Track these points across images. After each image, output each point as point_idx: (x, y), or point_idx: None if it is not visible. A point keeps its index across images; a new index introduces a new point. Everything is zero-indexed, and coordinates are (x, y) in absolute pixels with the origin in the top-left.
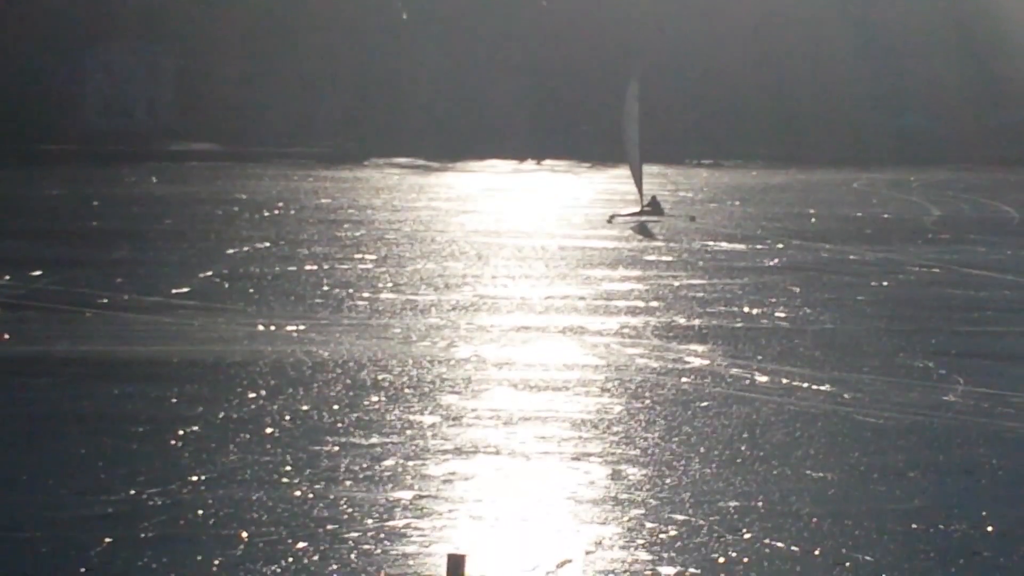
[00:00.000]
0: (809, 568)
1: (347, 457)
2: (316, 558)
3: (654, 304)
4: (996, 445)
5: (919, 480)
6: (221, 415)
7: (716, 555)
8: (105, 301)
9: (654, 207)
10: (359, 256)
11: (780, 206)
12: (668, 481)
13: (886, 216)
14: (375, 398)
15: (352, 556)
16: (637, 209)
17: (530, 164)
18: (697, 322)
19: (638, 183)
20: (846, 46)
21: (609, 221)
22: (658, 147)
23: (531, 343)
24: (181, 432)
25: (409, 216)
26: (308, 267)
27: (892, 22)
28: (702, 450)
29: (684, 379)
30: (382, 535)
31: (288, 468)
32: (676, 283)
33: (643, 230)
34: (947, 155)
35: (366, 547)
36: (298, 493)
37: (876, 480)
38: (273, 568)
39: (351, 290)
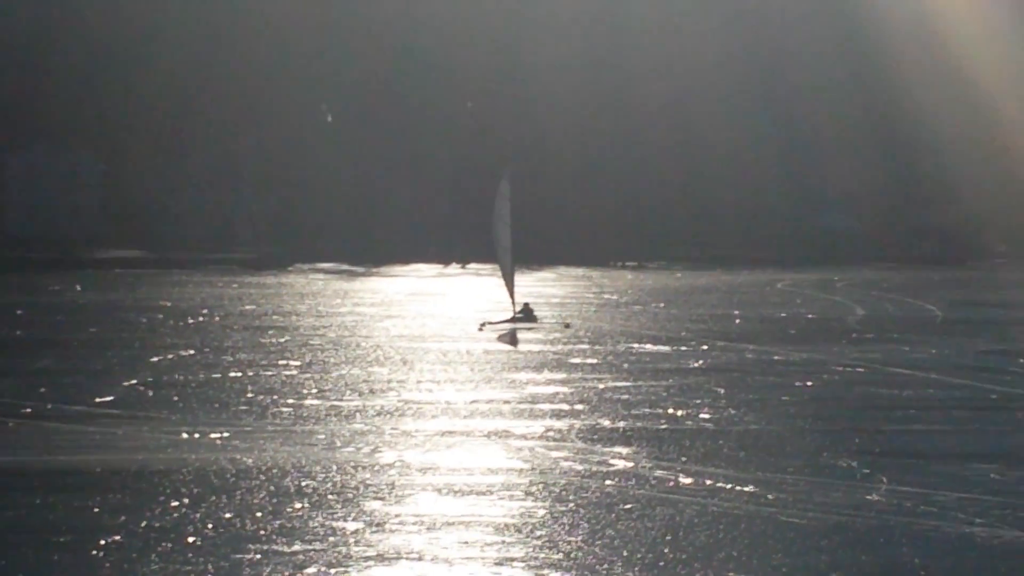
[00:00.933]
0: None
1: (269, 565)
2: None
3: (579, 407)
4: (919, 545)
5: None
6: (143, 524)
7: None
8: (28, 410)
9: (526, 314)
10: (284, 362)
11: (704, 307)
12: None
13: (810, 316)
14: (299, 505)
15: None
16: (509, 315)
17: (454, 267)
18: (622, 424)
19: (510, 288)
20: (770, 147)
21: (480, 329)
22: (582, 249)
23: (456, 447)
24: (103, 542)
25: (334, 322)
26: (232, 374)
27: (814, 122)
28: (625, 553)
29: (608, 481)
30: None
31: None
32: (601, 385)
33: (511, 338)
34: (871, 255)
35: None
36: None
37: None
38: None
39: (275, 396)
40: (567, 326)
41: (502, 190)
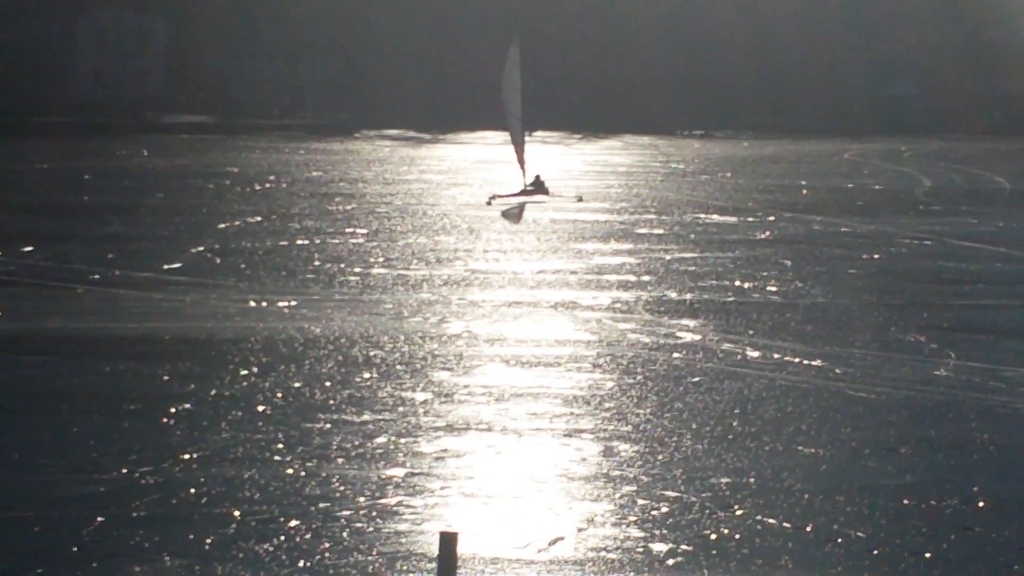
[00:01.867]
0: (801, 544)
1: (339, 435)
2: (308, 536)
3: (646, 278)
4: (987, 420)
5: (911, 456)
6: (213, 393)
7: (708, 532)
8: (97, 277)
9: (537, 186)
10: (350, 230)
11: (771, 177)
12: (660, 458)
13: (877, 187)
14: (367, 375)
15: (344, 534)
16: (519, 189)
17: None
18: (688, 296)
19: (520, 159)
20: (837, 16)
21: (488, 203)
22: (649, 118)
23: (523, 318)
24: (173, 410)
25: (400, 189)
26: (299, 242)
27: None
28: (694, 426)
29: (676, 354)
30: (374, 513)
31: (280, 446)
32: (668, 256)
33: (518, 213)
34: (938, 125)
35: (358, 525)
36: (290, 471)
37: (868, 456)
38: (265, 547)
39: (342, 265)
40: (580, 199)
41: (511, 55)
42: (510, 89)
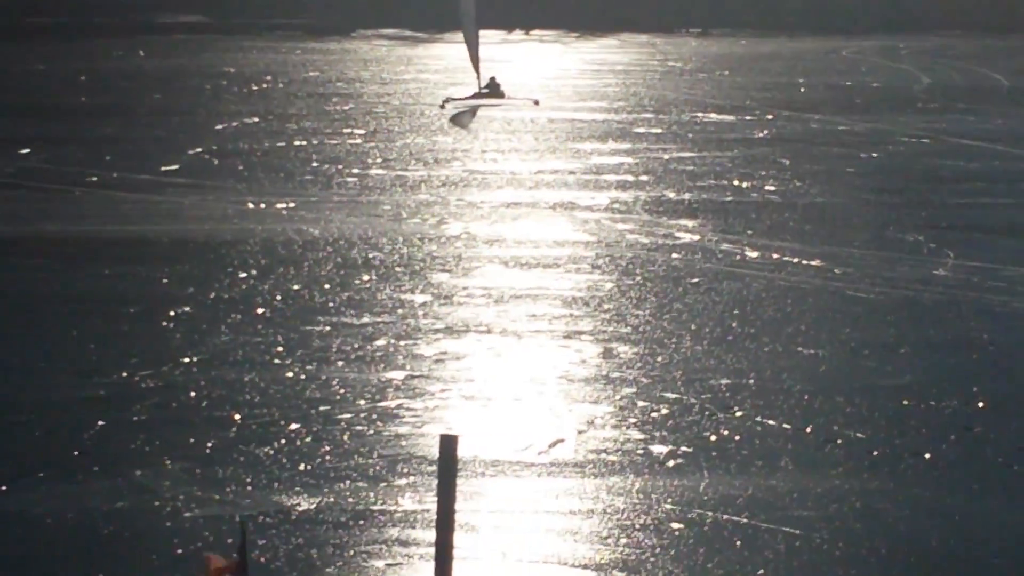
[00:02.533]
0: (800, 445)
1: (338, 337)
2: (308, 439)
3: (644, 178)
4: (987, 319)
5: (910, 356)
6: (212, 295)
7: (708, 433)
8: (94, 179)
9: (492, 89)
10: (348, 131)
11: (769, 76)
12: (659, 359)
13: (875, 85)
14: (366, 277)
15: (345, 437)
16: (473, 91)
17: (518, 34)
18: (687, 196)
19: (474, 60)
20: None
21: (442, 106)
22: (646, 16)
23: (521, 219)
24: (172, 313)
25: (398, 89)
26: (297, 143)
27: None
28: (693, 327)
29: (675, 255)
30: (374, 416)
31: (280, 349)
32: (666, 156)
33: (468, 119)
34: (936, 21)
35: (358, 428)
36: (290, 374)
37: (867, 356)
38: (266, 450)
39: (341, 166)
40: (536, 103)
41: None
42: None
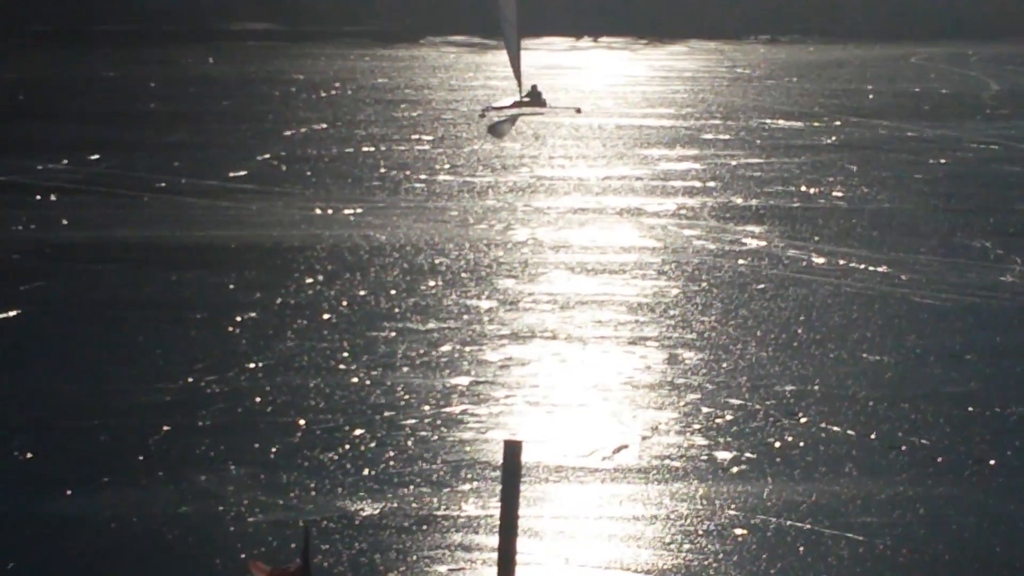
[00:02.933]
0: (865, 452)
1: (404, 343)
2: (373, 445)
3: (711, 184)
4: None
5: (976, 362)
6: (278, 301)
7: (772, 439)
8: (163, 185)
9: (534, 98)
10: (416, 137)
11: (837, 82)
12: (724, 365)
13: (944, 92)
14: (432, 283)
15: (409, 443)
16: (514, 100)
17: (587, 41)
18: (754, 202)
19: (516, 69)
20: None
21: (481, 115)
22: (713, 21)
23: (588, 225)
24: (239, 318)
25: (466, 96)
26: (365, 149)
27: None
28: (759, 333)
29: (741, 261)
30: (439, 421)
31: (345, 354)
32: (733, 162)
33: (505, 128)
34: (1006, 28)
35: (423, 433)
36: (355, 379)
37: (933, 363)
38: (330, 455)
39: (408, 172)
40: (579, 111)
41: None
42: None
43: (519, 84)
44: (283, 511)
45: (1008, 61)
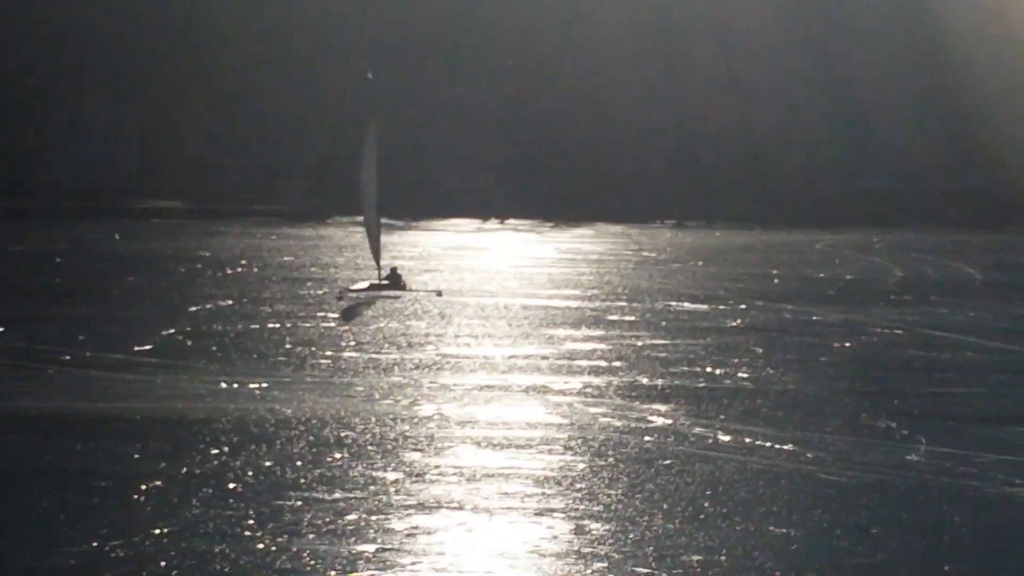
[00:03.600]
0: None
1: (310, 511)
2: None
3: (617, 363)
4: (959, 503)
5: (882, 536)
6: (184, 470)
7: None
8: (68, 358)
9: (393, 280)
10: (322, 314)
11: (743, 266)
12: (631, 536)
13: (849, 277)
14: (338, 455)
15: None
16: (372, 282)
17: (493, 223)
18: (660, 382)
19: (375, 250)
20: (811, 106)
21: (339, 298)
22: (621, 206)
23: (494, 402)
24: (143, 487)
25: (373, 275)
26: (271, 325)
27: (859, 83)
28: (665, 506)
29: (647, 438)
30: None
31: (251, 521)
32: (639, 343)
33: (355, 312)
34: (910, 216)
35: None
36: (261, 546)
37: (839, 536)
38: None
39: (314, 348)
40: (439, 294)
41: (368, 142)
42: (367, 176)
43: (378, 266)
44: None
45: (911, 248)
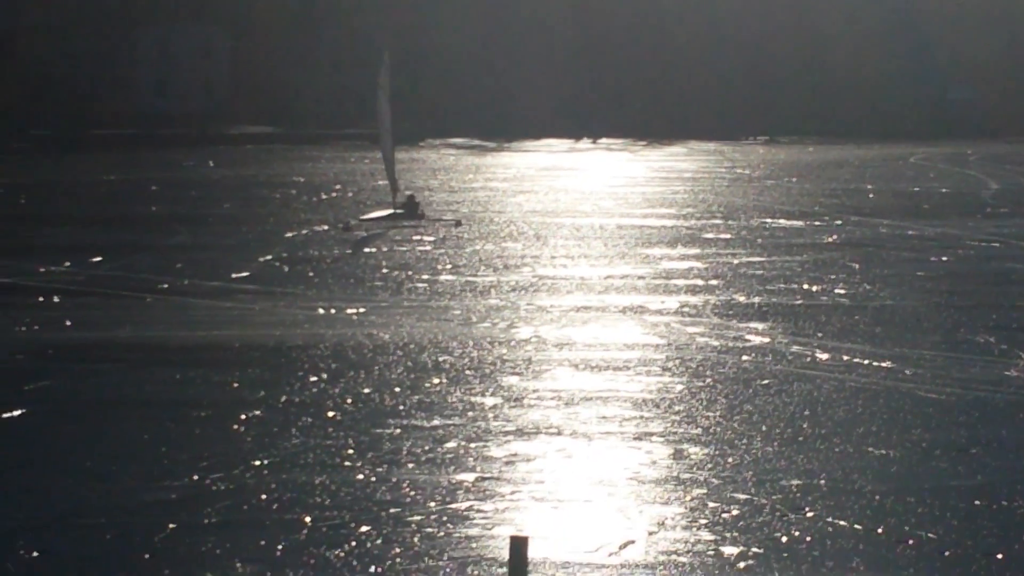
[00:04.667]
0: (872, 546)
1: (409, 440)
2: (379, 542)
3: (713, 282)
4: None
5: (981, 456)
6: (283, 399)
7: (779, 534)
8: (165, 286)
9: (408, 208)
10: (417, 238)
11: (837, 182)
12: (730, 460)
13: (944, 191)
14: (436, 380)
15: (415, 539)
16: (387, 212)
17: (586, 143)
18: (757, 300)
19: (391, 178)
20: (899, 20)
21: (345, 228)
22: (713, 124)
23: (591, 323)
24: (243, 417)
25: (466, 197)
26: (366, 249)
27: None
28: (764, 428)
29: (745, 357)
30: (445, 518)
31: (350, 452)
32: (735, 261)
33: (365, 245)
34: (1000, 129)
35: (429, 530)
36: (360, 476)
37: (938, 457)
38: (336, 552)
39: (410, 272)
40: (458, 224)
41: (382, 80)
42: (383, 104)
43: (394, 194)
44: None
45: (1006, 160)
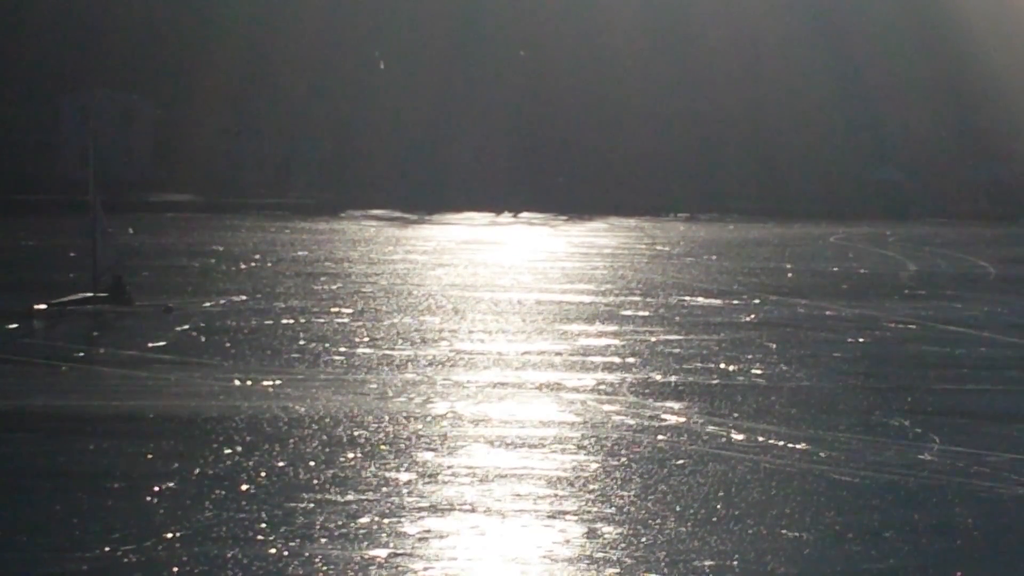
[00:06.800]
0: None
1: (323, 514)
2: None
3: (631, 360)
4: (971, 504)
5: (894, 540)
6: (196, 471)
7: None
8: (81, 355)
9: (115, 293)
10: (336, 310)
11: (756, 261)
12: (643, 540)
13: (863, 271)
14: (351, 455)
15: None
16: (86, 294)
17: (507, 216)
18: (674, 379)
19: (95, 256)
20: (825, 99)
21: (30, 315)
22: (635, 200)
23: (507, 399)
24: (156, 488)
25: (386, 269)
26: (285, 321)
27: (872, 75)
28: (678, 508)
29: (660, 436)
30: None
31: (263, 525)
32: (653, 338)
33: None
34: (924, 209)
35: None
36: (273, 550)
37: (851, 540)
38: None
39: (327, 344)
40: (168, 310)
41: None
42: (90, 181)
43: (95, 272)
44: None
45: (926, 242)
